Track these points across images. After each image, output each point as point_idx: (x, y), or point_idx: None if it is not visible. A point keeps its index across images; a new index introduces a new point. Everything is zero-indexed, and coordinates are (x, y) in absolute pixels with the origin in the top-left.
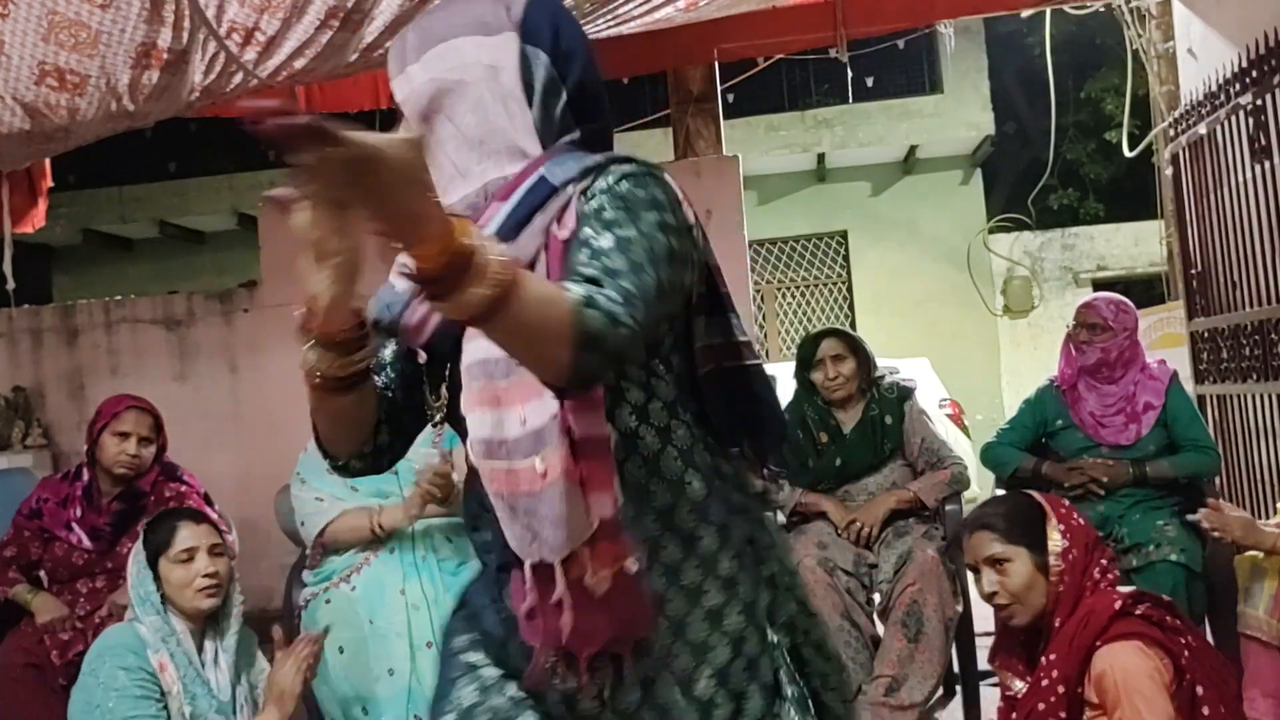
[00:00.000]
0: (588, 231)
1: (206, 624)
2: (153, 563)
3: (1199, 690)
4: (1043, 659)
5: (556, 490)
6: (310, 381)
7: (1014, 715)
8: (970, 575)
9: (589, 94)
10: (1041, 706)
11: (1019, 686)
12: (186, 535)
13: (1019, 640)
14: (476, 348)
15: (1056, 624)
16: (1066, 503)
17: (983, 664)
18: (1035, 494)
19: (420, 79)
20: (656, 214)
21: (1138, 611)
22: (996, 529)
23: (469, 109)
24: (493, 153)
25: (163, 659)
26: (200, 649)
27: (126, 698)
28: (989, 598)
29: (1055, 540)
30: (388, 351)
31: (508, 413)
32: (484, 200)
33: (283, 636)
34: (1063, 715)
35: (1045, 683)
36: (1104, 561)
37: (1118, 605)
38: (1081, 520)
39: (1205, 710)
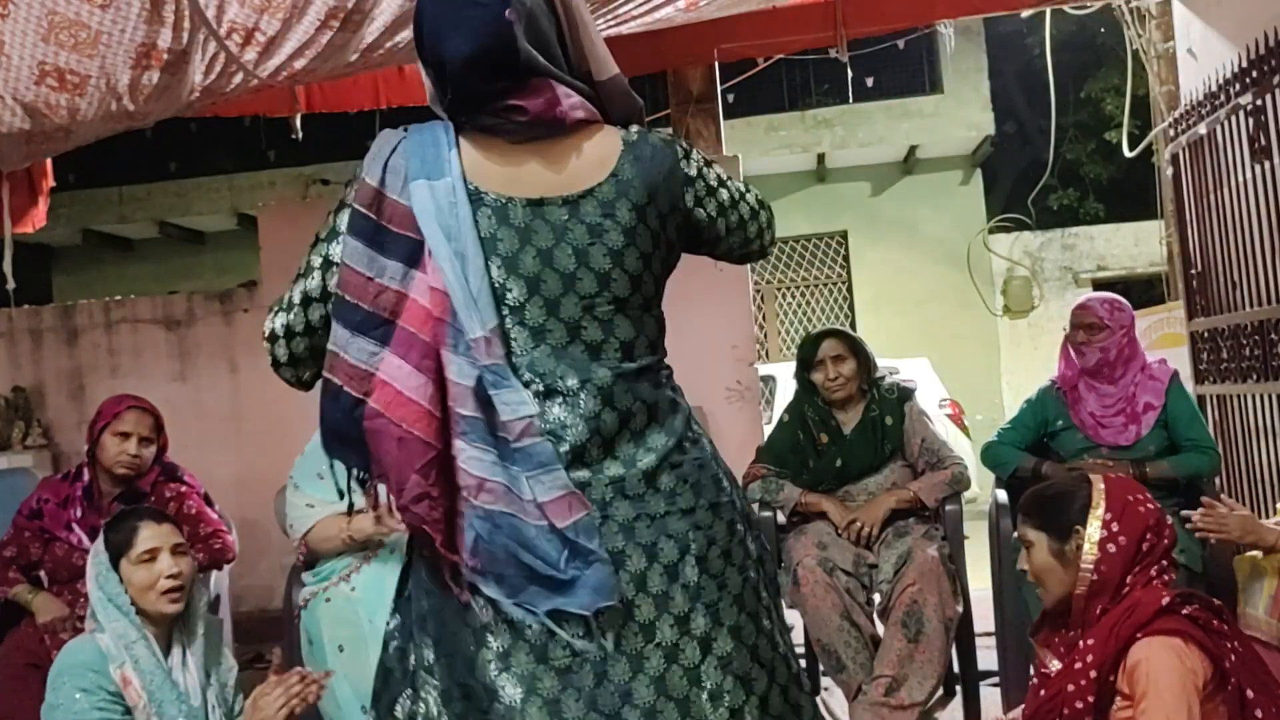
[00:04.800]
0: None
1: (173, 625)
2: (114, 565)
3: (1249, 693)
4: (1080, 643)
5: None
6: None
7: (1043, 692)
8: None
9: None
10: (1071, 688)
11: (1055, 666)
12: (148, 535)
13: (1062, 620)
14: None
15: (1098, 611)
16: (1138, 494)
17: (983, 664)
18: (1099, 481)
19: None
20: None
21: (1185, 611)
22: (1026, 510)
23: None
24: None
25: (126, 672)
26: (167, 653)
27: None
28: (1024, 574)
29: (1094, 529)
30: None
31: None
32: None
33: (281, 662)
34: (1090, 700)
35: (1079, 666)
36: (1164, 562)
37: (1165, 601)
38: (1146, 510)
39: (1259, 714)
